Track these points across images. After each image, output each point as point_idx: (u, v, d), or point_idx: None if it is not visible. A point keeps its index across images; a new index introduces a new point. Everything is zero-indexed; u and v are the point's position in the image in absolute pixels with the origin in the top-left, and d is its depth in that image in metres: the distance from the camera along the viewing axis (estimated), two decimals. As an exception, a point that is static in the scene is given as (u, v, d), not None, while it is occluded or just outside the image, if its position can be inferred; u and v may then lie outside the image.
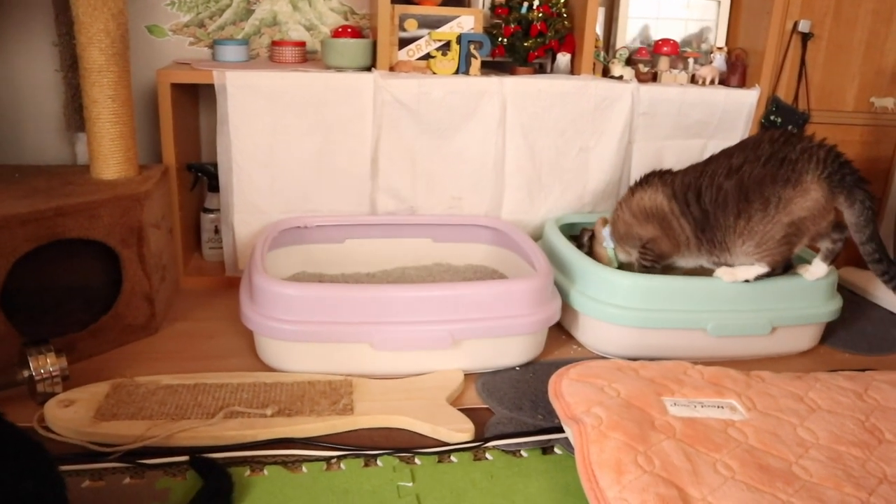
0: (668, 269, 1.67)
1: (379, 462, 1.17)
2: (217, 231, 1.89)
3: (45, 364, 1.29)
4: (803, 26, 1.93)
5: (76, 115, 1.88)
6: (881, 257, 1.48)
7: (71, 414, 1.24)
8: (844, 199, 1.45)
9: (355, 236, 1.78)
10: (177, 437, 1.19)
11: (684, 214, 1.58)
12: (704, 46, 2.09)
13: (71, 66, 1.86)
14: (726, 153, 1.58)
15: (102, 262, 1.59)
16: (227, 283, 1.82)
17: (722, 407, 1.26)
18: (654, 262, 1.63)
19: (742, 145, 1.57)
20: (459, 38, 1.81)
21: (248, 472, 1.14)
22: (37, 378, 1.28)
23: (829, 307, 1.59)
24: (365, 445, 1.21)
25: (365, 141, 1.76)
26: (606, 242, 1.69)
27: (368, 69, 1.79)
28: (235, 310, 1.60)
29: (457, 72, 1.82)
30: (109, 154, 1.59)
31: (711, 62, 2.02)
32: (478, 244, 1.84)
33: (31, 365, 1.28)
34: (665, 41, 2.01)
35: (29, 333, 1.37)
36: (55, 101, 1.96)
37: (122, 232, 1.48)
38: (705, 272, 1.59)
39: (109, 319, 1.50)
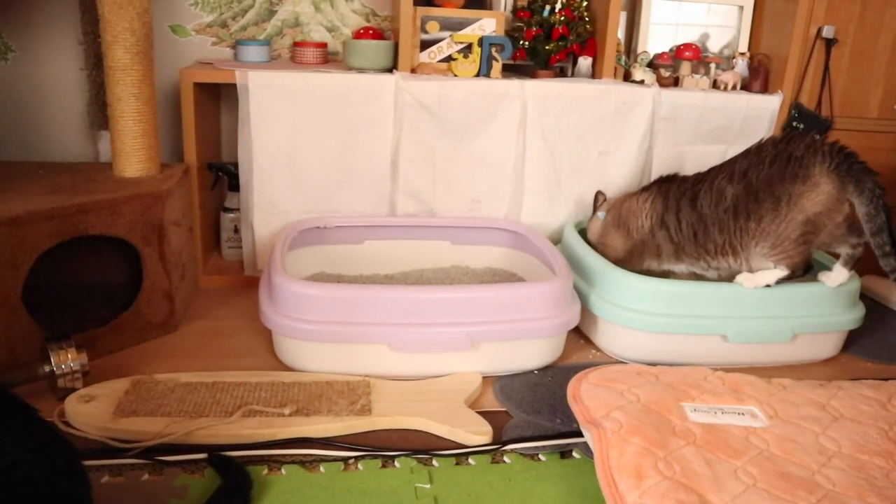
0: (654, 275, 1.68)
1: (396, 463, 1.17)
2: (237, 230, 1.90)
3: (66, 359, 1.30)
4: (827, 32, 1.91)
5: (100, 112, 1.89)
6: (891, 251, 1.46)
7: (91, 409, 1.24)
8: (854, 187, 1.45)
9: (374, 237, 1.78)
10: (195, 434, 1.19)
11: (665, 225, 1.60)
12: (727, 51, 2.08)
13: (95, 64, 1.87)
14: (730, 160, 1.60)
15: (123, 259, 1.61)
16: (246, 282, 1.82)
17: (742, 414, 1.25)
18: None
19: (745, 152, 1.58)
20: (481, 41, 1.81)
21: (265, 471, 1.14)
22: (57, 373, 1.29)
23: (852, 315, 1.58)
24: (382, 446, 1.21)
25: (385, 142, 1.76)
26: (599, 213, 1.73)
27: (390, 71, 1.79)
28: (254, 309, 1.60)
29: (478, 74, 1.82)
30: (132, 152, 1.60)
31: (733, 67, 2.01)
32: (496, 247, 1.84)
33: (51, 360, 1.29)
34: (687, 46, 2.00)
35: (50, 329, 1.38)
36: (79, 99, 1.97)
37: (143, 229, 1.49)
38: (723, 280, 1.59)
39: (130, 316, 1.51)
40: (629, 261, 1.66)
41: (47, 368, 1.30)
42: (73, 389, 1.30)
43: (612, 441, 1.12)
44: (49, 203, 1.39)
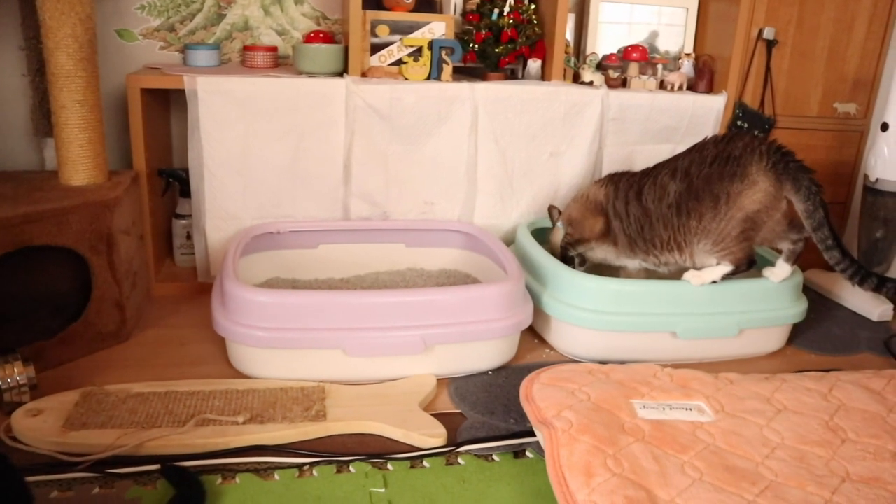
0: (608, 271, 1.71)
1: (351, 468, 1.18)
2: (189, 237, 1.88)
3: (13, 373, 1.28)
4: (768, 33, 1.96)
5: (44, 120, 1.86)
6: (834, 244, 1.51)
7: (39, 423, 1.22)
8: (791, 185, 1.49)
9: (328, 241, 1.78)
10: (147, 445, 1.18)
11: (618, 215, 1.63)
12: (673, 52, 2.12)
13: (38, 70, 1.84)
14: (674, 157, 1.64)
15: (71, 269, 1.58)
16: (200, 289, 1.81)
17: (690, 409, 1.28)
18: (570, 245, 1.69)
19: (689, 150, 1.62)
20: (431, 44, 1.82)
21: (219, 480, 1.13)
22: (3, 388, 1.27)
23: (796, 309, 1.62)
24: (337, 452, 1.21)
25: (337, 146, 1.76)
26: (559, 224, 1.76)
27: (340, 75, 1.79)
28: (208, 316, 1.59)
29: (428, 77, 1.82)
30: (78, 160, 1.57)
31: (680, 68, 2.05)
32: (450, 249, 1.85)
33: (-3, 374, 1.27)
34: (634, 47, 2.03)
35: (-4, 342, 1.36)
36: (22, 106, 1.93)
37: (91, 238, 1.47)
38: (673, 276, 1.62)
39: (79, 327, 1.49)
40: (601, 242, 1.69)
41: (-7, 383, 1.27)
42: (21, 403, 1.28)
43: (563, 440, 1.14)
44: (-7, 213, 1.36)
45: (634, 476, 1.08)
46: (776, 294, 1.61)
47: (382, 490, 1.13)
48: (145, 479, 1.13)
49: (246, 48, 1.94)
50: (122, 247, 1.54)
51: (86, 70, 1.54)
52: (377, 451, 1.22)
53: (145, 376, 1.42)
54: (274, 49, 1.93)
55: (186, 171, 1.81)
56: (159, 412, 1.27)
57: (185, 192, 1.85)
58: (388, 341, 1.38)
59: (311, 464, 1.18)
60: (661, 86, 2.01)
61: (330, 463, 1.19)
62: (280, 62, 2.00)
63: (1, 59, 1.89)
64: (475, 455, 1.23)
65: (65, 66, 1.52)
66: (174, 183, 1.90)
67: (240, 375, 1.43)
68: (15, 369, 1.27)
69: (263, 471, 1.16)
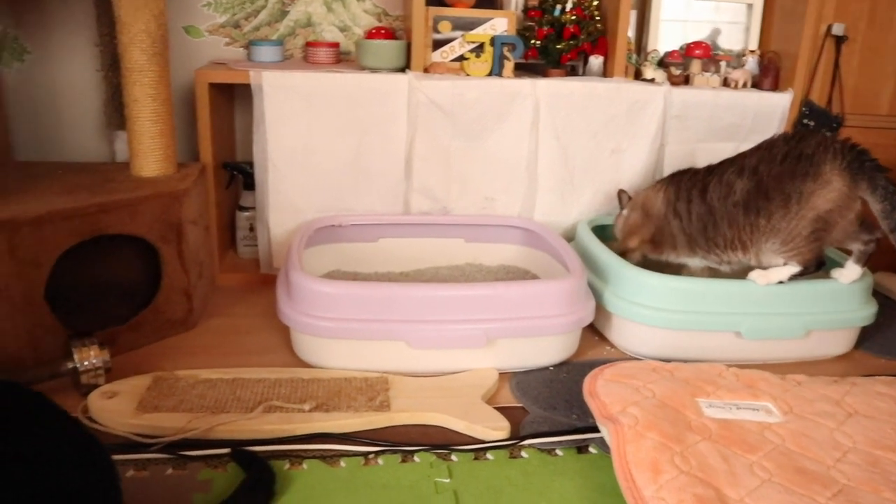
0: (669, 269, 1.69)
1: (416, 458, 1.19)
2: (252, 229, 1.91)
3: (89, 356, 1.32)
4: (837, 29, 1.92)
5: (116, 113, 1.91)
6: None
7: (114, 405, 1.26)
8: (867, 185, 1.45)
9: (389, 235, 1.80)
10: (217, 429, 1.21)
11: (678, 215, 1.61)
12: (737, 49, 2.08)
13: (111, 65, 1.89)
14: (740, 154, 1.61)
15: (141, 258, 1.62)
16: (262, 280, 1.84)
17: (757, 409, 1.26)
18: (622, 254, 1.68)
19: (756, 147, 1.59)
20: (493, 40, 1.82)
21: (287, 466, 1.15)
22: (81, 370, 1.31)
23: (865, 311, 1.59)
24: (401, 442, 1.22)
25: (399, 141, 1.78)
26: (624, 210, 1.76)
27: (402, 70, 1.81)
28: (271, 306, 1.62)
29: (490, 73, 1.83)
30: (149, 152, 1.61)
31: (744, 65, 2.02)
32: (510, 245, 1.85)
33: (75, 357, 1.31)
34: (697, 44, 2.00)
35: (72, 326, 1.40)
36: (95, 100, 1.99)
37: (161, 228, 1.51)
38: (736, 275, 1.60)
39: (149, 314, 1.53)
40: (654, 249, 1.68)
41: (70, 365, 1.31)
42: (96, 386, 1.32)
43: (629, 436, 1.13)
44: (69, 203, 1.41)
45: (702, 474, 1.07)
46: (845, 296, 1.57)
47: (447, 480, 1.13)
48: (216, 461, 1.16)
49: (308, 44, 1.96)
50: (191, 237, 1.58)
51: (158, 65, 1.58)
52: (440, 442, 1.23)
53: (212, 363, 1.45)
54: (336, 45, 1.96)
55: (250, 164, 1.84)
56: (227, 398, 1.30)
57: (249, 184, 1.89)
58: (451, 334, 1.39)
59: (376, 452, 1.20)
60: (725, 83, 1.98)
61: (395, 452, 1.20)
62: (342, 58, 2.02)
63: (76, 55, 1.95)
64: (538, 449, 1.23)
65: (138, 60, 1.56)
66: (238, 176, 1.93)
67: (304, 364, 1.45)
68: (91, 352, 1.31)
69: (329, 458, 1.18)
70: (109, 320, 1.51)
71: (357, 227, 1.78)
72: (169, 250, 1.52)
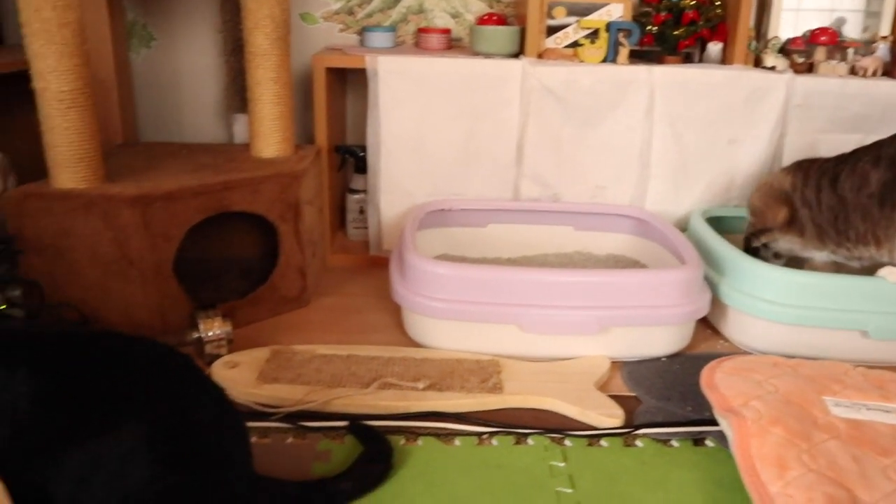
0: (790, 264, 1.62)
1: (530, 440, 1.18)
2: (362, 211, 1.95)
3: (213, 327, 1.37)
4: (981, 15, 1.80)
5: (236, 97, 1.98)
6: None
7: (236, 375, 1.31)
8: None
9: (498, 221, 1.80)
10: (334, 403, 1.24)
11: (807, 203, 1.54)
12: (866, 35, 1.98)
13: (233, 50, 1.96)
14: (876, 143, 1.52)
15: (259, 235, 1.68)
16: (371, 261, 1.87)
17: (889, 411, 1.20)
18: (753, 235, 1.62)
19: (893, 137, 1.50)
20: (608, 26, 1.79)
21: (402, 441, 1.17)
22: (205, 340, 1.37)
23: None
24: (514, 424, 1.22)
25: (511, 127, 1.77)
26: None
27: (516, 56, 1.80)
28: (380, 287, 1.65)
29: (604, 60, 1.80)
30: (269, 133, 1.66)
31: (874, 52, 1.91)
32: (620, 234, 1.82)
33: (200, 327, 1.37)
34: (823, 30, 1.91)
35: (195, 299, 1.46)
36: (214, 84, 2.07)
37: (280, 207, 1.55)
38: (865, 272, 1.52)
39: (266, 290, 1.58)
40: (787, 232, 1.62)
41: (195, 335, 1.37)
42: (219, 356, 1.37)
43: (753, 430, 1.10)
44: (197, 180, 1.47)
45: (832, 474, 1.02)
46: (984, 297, 1.47)
47: (562, 464, 1.13)
48: (333, 433, 1.19)
49: (420, 30, 1.98)
50: (307, 217, 1.62)
51: (280, 49, 1.63)
52: (553, 426, 1.22)
53: (325, 340, 1.48)
54: (447, 31, 1.96)
55: (361, 147, 1.88)
56: (343, 373, 1.33)
57: (360, 168, 1.92)
58: (564, 320, 1.38)
59: (490, 433, 1.20)
60: (852, 71, 1.89)
61: (508, 434, 1.20)
62: (453, 44, 2.03)
63: (198, 41, 2.03)
64: (653, 439, 1.21)
65: (261, 45, 1.61)
66: (349, 159, 1.97)
67: (414, 344, 1.47)
68: (215, 323, 1.37)
69: (444, 436, 1.19)
70: (229, 295, 1.56)
71: (466, 211, 1.79)
72: (287, 229, 1.57)
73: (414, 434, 1.19)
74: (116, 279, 1.40)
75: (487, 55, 1.80)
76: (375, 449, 1.11)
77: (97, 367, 0.86)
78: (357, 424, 1.18)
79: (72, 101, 1.37)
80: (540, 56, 1.81)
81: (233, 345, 1.40)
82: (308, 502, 1.01)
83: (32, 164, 1.48)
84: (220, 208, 1.47)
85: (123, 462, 0.81)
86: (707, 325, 1.60)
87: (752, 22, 1.94)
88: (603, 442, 1.19)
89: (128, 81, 2.00)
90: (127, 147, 1.83)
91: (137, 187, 1.40)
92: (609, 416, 1.23)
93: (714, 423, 1.20)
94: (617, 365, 1.42)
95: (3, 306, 1.40)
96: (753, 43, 1.91)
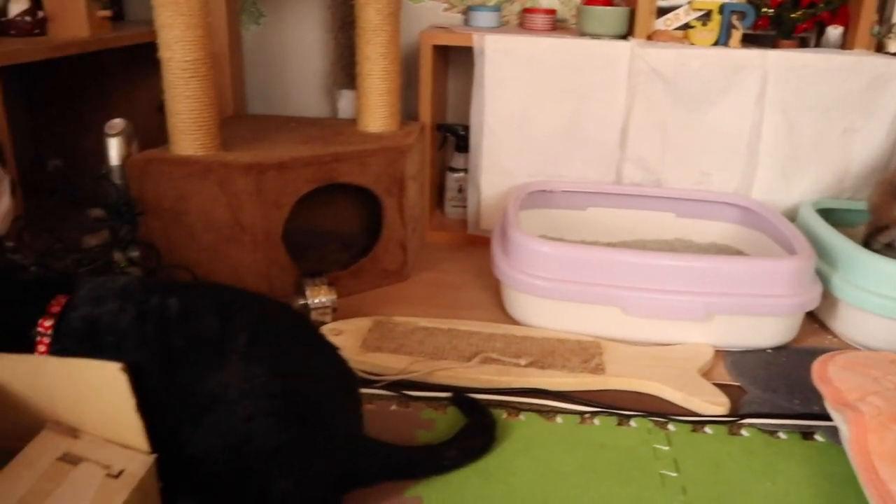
0: None
1: (632, 423, 1.18)
2: (461, 190, 1.96)
3: (319, 294, 1.41)
4: None
5: (341, 73, 2.02)
6: None
7: (341, 342, 1.32)
8: None
9: (598, 205, 1.78)
10: (436, 374, 1.26)
11: None
12: None
13: (341, 27, 1.99)
14: None
15: (358, 210, 1.71)
16: (468, 240, 1.89)
17: None
18: (872, 234, 1.54)
19: None
20: (721, 8, 1.74)
21: (504, 415, 1.18)
22: (311, 306, 1.41)
23: None
24: (616, 405, 1.22)
25: (616, 109, 1.75)
26: None
27: (624, 37, 1.77)
28: (478, 265, 1.67)
29: (716, 43, 1.75)
30: (377, 108, 1.69)
31: None
32: (723, 222, 1.78)
33: (307, 293, 1.41)
34: (953, 17, 1.82)
35: (300, 268, 1.50)
36: (321, 60, 2.12)
37: (386, 181, 1.58)
38: None
39: (368, 262, 1.61)
40: None
41: (302, 301, 1.41)
42: (324, 323, 1.41)
43: (871, 425, 1.06)
44: (308, 151, 1.50)
45: (956, 475, 0.98)
46: None
47: (667, 448, 1.12)
48: (436, 403, 1.21)
49: (525, 11, 1.97)
50: (410, 192, 1.64)
51: (390, 25, 1.65)
52: (655, 411, 1.21)
53: (424, 314, 1.50)
54: (553, 12, 1.95)
55: (462, 126, 1.89)
56: (444, 346, 1.35)
57: (461, 146, 1.93)
58: (669, 304, 1.35)
59: (592, 413, 1.20)
60: (983, 60, 1.78)
61: (610, 415, 1.19)
62: (557, 25, 2.01)
63: (306, 18, 2.08)
64: (760, 429, 1.18)
65: (372, 20, 1.63)
66: (450, 138, 1.98)
67: (514, 323, 1.47)
68: (322, 291, 1.41)
69: (546, 412, 1.19)
70: (330, 266, 1.60)
71: (567, 193, 1.77)
72: (391, 203, 1.59)
73: (515, 409, 1.20)
74: (229, 244, 1.45)
75: (595, 36, 1.78)
76: (479, 421, 1.13)
77: (228, 310, 0.90)
78: (461, 396, 1.20)
79: (194, 71, 1.42)
80: (649, 38, 1.77)
81: (336, 313, 1.43)
82: (414, 466, 1.03)
83: (152, 134, 1.55)
84: (328, 179, 1.50)
85: (244, 408, 0.84)
86: (814, 320, 1.55)
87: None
88: (707, 429, 1.18)
89: (239, 56, 2.06)
90: (237, 119, 1.89)
91: (252, 156, 1.45)
92: (714, 404, 1.21)
93: (824, 418, 1.16)
94: (720, 354, 1.39)
95: (124, 264, 1.47)
96: (876, 27, 1.83)
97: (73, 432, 0.84)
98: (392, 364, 1.28)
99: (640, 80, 1.72)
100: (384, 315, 1.47)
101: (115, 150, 1.52)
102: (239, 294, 0.95)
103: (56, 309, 0.86)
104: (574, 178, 1.80)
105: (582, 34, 1.81)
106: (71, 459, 0.81)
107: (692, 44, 1.75)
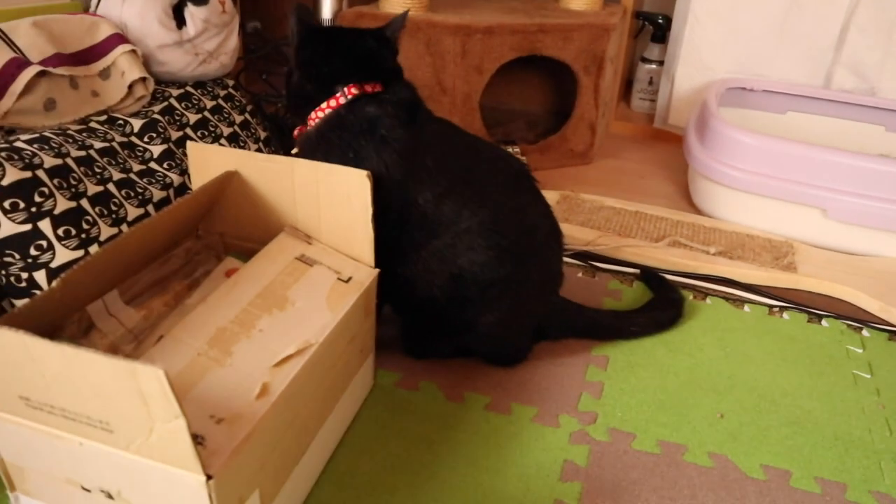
0: None
1: (824, 322, 1.15)
2: (651, 82, 1.91)
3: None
4: None
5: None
6: None
7: (531, 209, 1.37)
8: None
9: (800, 109, 1.68)
10: (623, 250, 1.27)
11: None
12: None
13: None
14: None
15: (546, 91, 1.70)
16: (653, 133, 1.85)
17: None
18: None
19: None
20: None
21: (691, 297, 1.18)
22: (504, 172, 1.43)
23: None
24: (808, 304, 1.19)
25: (839, 7, 1.62)
26: None
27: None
28: (663, 158, 1.64)
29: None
30: (581, -15, 1.66)
31: None
32: (939, 142, 1.65)
33: (500, 160, 1.44)
34: None
35: (491, 136, 1.53)
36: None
37: (586, 59, 1.56)
38: None
39: (556, 140, 1.62)
40: None
41: (495, 166, 1.44)
42: (515, 189, 1.44)
43: None
44: (513, 20, 1.50)
45: None
46: None
47: (860, 350, 1.09)
48: (622, 277, 1.23)
49: None
50: (607, 73, 1.62)
51: None
52: (848, 315, 1.18)
53: (610, 195, 1.50)
54: None
55: (662, 15, 1.82)
56: (632, 226, 1.35)
57: (658, 37, 1.87)
58: (877, 212, 1.28)
59: (781, 307, 1.18)
60: None
61: (801, 312, 1.17)
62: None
63: None
64: (963, 349, 1.13)
65: None
66: (647, 27, 1.92)
67: (700, 214, 1.45)
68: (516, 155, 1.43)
69: (733, 300, 1.19)
70: (517, 140, 1.62)
71: (767, 94, 1.69)
72: (588, 82, 1.58)
73: (702, 293, 1.20)
74: (429, 104, 1.49)
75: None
76: (667, 296, 1.14)
77: (473, 148, 0.96)
78: (650, 272, 1.21)
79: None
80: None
81: (523, 183, 1.46)
82: (603, 328, 1.06)
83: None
84: (531, 50, 1.50)
85: (461, 239, 0.88)
86: None
87: None
88: (904, 341, 1.14)
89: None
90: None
91: (459, 18, 1.47)
92: (915, 317, 1.16)
93: None
94: (924, 272, 1.32)
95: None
96: None
97: (307, 238, 0.91)
98: (579, 235, 1.31)
99: (874, -23, 1.59)
100: (572, 191, 1.49)
101: (327, 3, 1.58)
102: (479, 140, 0.99)
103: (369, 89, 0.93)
104: (776, 78, 1.71)
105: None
106: (307, 261, 0.88)
107: (938, -59, 1.59)
